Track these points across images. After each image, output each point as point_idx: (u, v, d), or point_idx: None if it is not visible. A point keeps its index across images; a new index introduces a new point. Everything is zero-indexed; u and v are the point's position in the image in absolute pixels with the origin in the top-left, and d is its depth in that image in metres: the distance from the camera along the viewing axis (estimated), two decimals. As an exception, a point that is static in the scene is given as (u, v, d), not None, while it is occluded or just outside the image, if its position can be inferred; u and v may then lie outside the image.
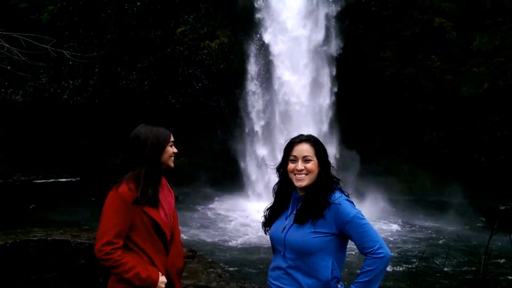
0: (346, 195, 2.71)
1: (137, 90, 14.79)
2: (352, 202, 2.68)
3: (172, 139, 3.06)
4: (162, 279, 2.94)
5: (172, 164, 3.08)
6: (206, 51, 14.32)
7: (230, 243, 10.42)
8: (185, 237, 10.32)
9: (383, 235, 10.24)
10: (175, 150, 3.07)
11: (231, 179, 14.43)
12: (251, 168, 14.42)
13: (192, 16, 14.28)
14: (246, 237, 10.82)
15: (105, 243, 2.81)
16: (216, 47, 14.30)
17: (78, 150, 15.08)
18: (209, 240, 10.61)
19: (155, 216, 2.91)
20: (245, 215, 12.46)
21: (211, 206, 13.44)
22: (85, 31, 14.44)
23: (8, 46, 6.53)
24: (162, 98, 14.87)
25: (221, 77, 14.37)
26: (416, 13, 14.46)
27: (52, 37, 14.31)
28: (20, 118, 14.93)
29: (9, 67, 13.65)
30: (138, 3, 14.12)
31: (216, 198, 13.97)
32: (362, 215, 2.62)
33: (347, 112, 14.58)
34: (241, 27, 14.31)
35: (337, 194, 2.68)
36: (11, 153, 15.26)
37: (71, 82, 14.74)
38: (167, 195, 3.07)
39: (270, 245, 2.82)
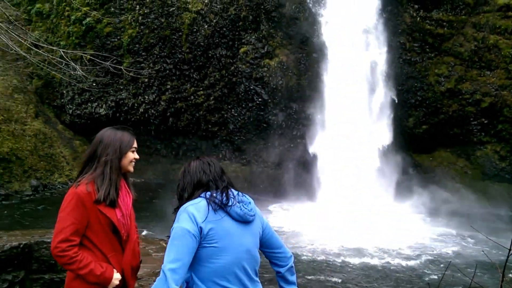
0: (191, 206, 2.66)
1: (204, 105, 16.22)
2: (190, 214, 2.61)
3: (135, 145, 3.17)
4: (117, 275, 3.01)
5: (131, 169, 3.17)
6: (266, 68, 15.48)
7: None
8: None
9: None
10: (136, 156, 3.18)
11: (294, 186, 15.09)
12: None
13: (254, 37, 15.52)
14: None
15: (61, 240, 2.86)
16: (276, 65, 15.41)
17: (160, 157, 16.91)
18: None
19: (111, 216, 2.99)
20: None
21: (270, 212, 13.96)
22: (159, 52, 16.10)
23: (73, 64, 7.90)
24: (226, 112, 16.19)
25: (279, 92, 15.43)
26: (472, 31, 14.77)
27: (131, 57, 16.21)
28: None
29: (93, 84, 15.62)
30: (206, 26, 15.58)
31: (274, 205, 14.62)
32: (177, 232, 2.57)
33: (402, 127, 15.13)
34: (299, 47, 15.29)
35: (189, 203, 2.72)
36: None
37: (147, 97, 16.46)
38: (124, 196, 3.16)
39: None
